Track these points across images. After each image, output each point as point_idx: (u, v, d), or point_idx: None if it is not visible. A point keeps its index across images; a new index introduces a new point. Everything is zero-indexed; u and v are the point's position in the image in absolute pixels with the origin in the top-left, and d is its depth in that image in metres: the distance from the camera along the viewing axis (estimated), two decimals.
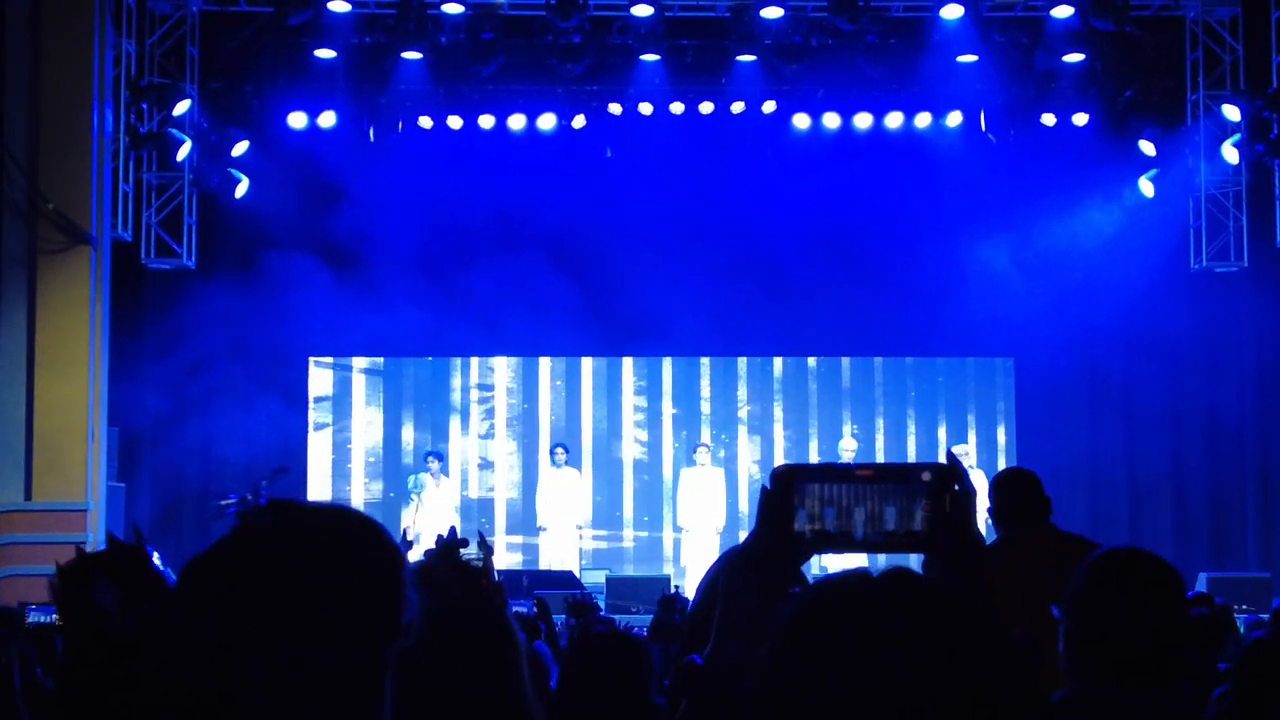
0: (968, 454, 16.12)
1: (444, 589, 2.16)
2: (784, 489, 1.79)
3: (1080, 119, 15.93)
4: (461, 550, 2.26)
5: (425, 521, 14.81)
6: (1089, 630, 2.76)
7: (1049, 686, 2.71)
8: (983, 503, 5.22)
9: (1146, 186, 15.70)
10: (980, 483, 7.44)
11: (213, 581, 1.49)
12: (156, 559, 2.38)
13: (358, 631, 1.46)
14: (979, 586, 1.77)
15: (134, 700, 1.87)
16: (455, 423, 17.46)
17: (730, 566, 1.84)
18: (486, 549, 2.28)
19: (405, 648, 1.51)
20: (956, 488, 1.79)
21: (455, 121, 16.24)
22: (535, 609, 8.21)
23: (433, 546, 2.26)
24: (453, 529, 2.20)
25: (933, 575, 1.79)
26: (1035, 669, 2.65)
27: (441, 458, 16.08)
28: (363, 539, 1.55)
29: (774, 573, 1.79)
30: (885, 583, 1.40)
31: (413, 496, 15.60)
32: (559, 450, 15.99)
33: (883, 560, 1.79)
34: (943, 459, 1.86)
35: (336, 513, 1.59)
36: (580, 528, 16.00)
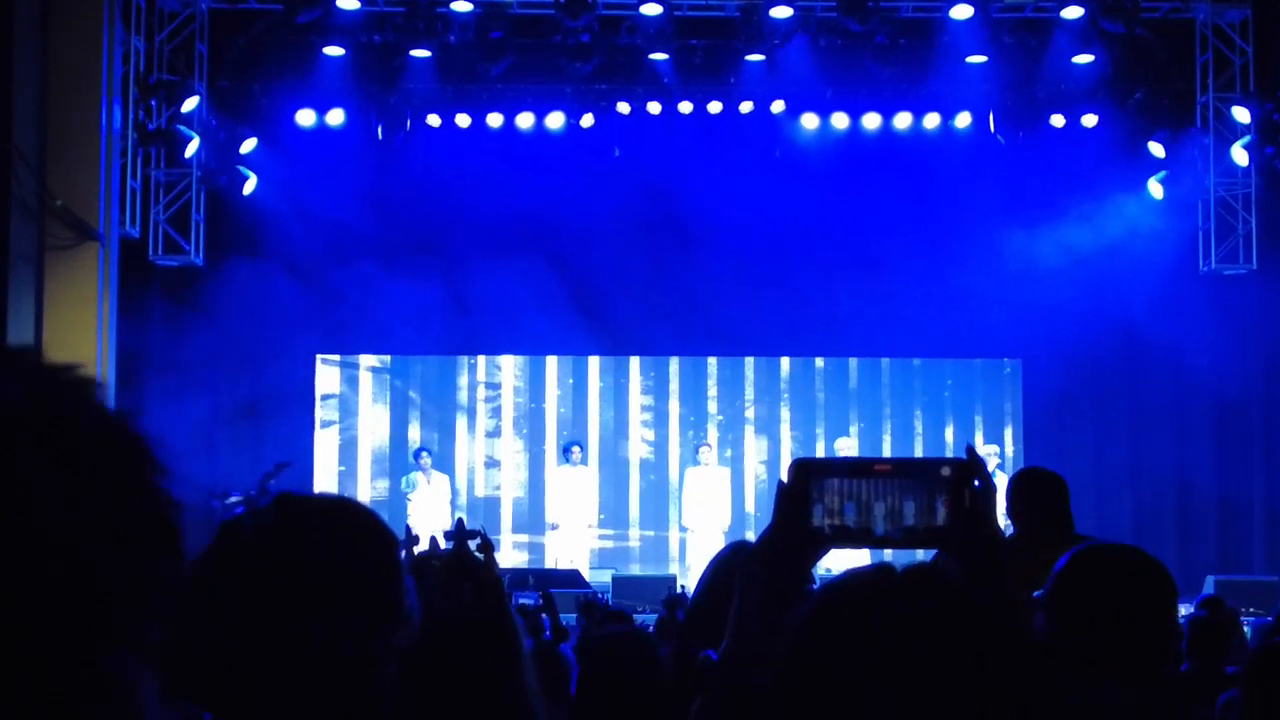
0: (995, 455, 16.11)
1: (445, 582, 2.15)
2: (801, 483, 1.76)
3: (1089, 120, 15.90)
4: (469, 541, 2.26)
5: (421, 519, 14.79)
6: (1071, 625, 2.73)
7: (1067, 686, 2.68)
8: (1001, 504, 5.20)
9: (1156, 188, 15.66)
10: (1002, 484, 7.41)
11: (214, 574, 1.49)
12: None
13: (356, 614, 1.46)
14: (999, 583, 1.74)
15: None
16: (462, 421, 17.45)
17: (745, 561, 1.82)
18: (487, 545, 2.27)
19: (408, 640, 1.51)
20: (977, 483, 1.76)
21: (463, 120, 16.23)
22: (540, 600, 8.20)
23: (434, 541, 2.25)
24: (460, 520, 2.19)
25: (948, 570, 1.76)
26: (1051, 669, 2.63)
27: (431, 452, 16.03)
28: (356, 526, 1.56)
29: (789, 568, 1.77)
30: (906, 579, 1.38)
31: (408, 497, 15.59)
32: (575, 449, 15.94)
33: (888, 555, 1.77)
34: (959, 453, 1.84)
35: (331, 501, 1.61)
36: (591, 526, 16.02)
